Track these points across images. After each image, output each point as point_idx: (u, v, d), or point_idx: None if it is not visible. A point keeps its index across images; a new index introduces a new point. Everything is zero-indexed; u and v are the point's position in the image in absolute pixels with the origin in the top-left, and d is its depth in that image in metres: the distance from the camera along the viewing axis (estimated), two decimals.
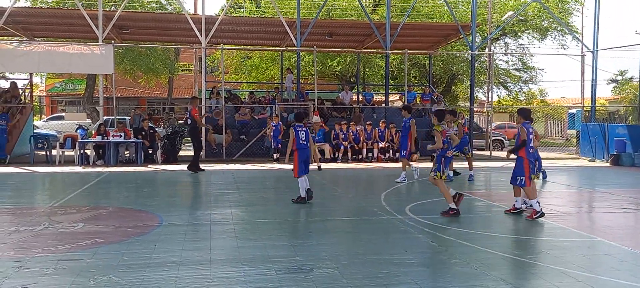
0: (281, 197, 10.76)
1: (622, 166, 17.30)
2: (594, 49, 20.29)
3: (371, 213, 8.66)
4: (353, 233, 7.61)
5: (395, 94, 32.86)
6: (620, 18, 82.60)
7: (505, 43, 36.14)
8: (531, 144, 8.55)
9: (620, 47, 29.14)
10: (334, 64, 31.22)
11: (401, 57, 29.83)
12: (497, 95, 39.07)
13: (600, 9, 19.97)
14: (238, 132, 19.91)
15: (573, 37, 32.77)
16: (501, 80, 36.20)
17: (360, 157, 18.87)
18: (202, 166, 15.30)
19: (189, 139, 16.48)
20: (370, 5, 31.41)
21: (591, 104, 21.30)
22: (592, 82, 20.74)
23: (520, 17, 30.09)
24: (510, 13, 27.89)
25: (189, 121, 14.81)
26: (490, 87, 25.91)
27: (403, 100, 25.54)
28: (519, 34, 34.33)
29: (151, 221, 8.12)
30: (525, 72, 36.44)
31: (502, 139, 28.33)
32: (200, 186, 12.52)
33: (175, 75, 36.65)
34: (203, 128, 16.71)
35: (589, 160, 19.37)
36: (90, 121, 25.22)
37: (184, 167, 15.51)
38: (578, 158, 20.61)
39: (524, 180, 8.41)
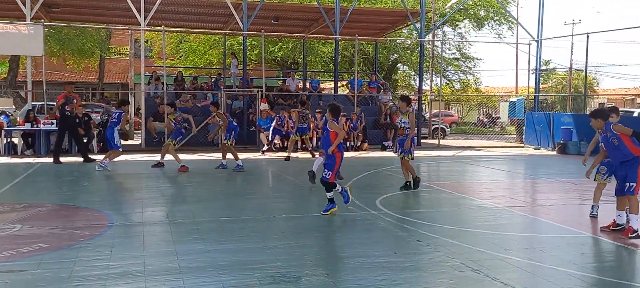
0: (240, 190, 10.01)
1: (568, 154, 17.67)
2: (538, 38, 20.63)
3: (342, 209, 8.10)
4: (330, 233, 7.02)
5: (339, 80, 32.48)
6: (548, 10, 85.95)
7: (443, 32, 36.61)
8: None
9: (563, 36, 30.05)
10: (275, 50, 30.41)
11: (344, 44, 29.45)
12: (435, 84, 39.57)
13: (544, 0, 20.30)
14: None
15: (508, 27, 33.69)
16: (442, 68, 36.63)
17: (310, 146, 18.28)
18: (143, 157, 14.22)
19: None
20: None
21: (535, 93, 21.72)
22: (536, 70, 21.13)
23: (461, 7, 30.41)
24: (454, 0, 28.07)
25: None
26: (434, 75, 25.96)
27: (348, 87, 25.18)
28: (457, 22, 34.83)
29: (100, 221, 7.19)
30: (464, 61, 37.10)
31: (444, 127, 28.57)
32: (148, 179, 11.50)
33: (107, 57, 34.52)
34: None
35: (535, 149, 19.73)
36: (15, 107, 23.17)
37: (126, 157, 14.38)
38: (523, 147, 20.97)
39: (633, 188, 6.70)
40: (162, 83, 19.37)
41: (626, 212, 6.87)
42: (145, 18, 17.80)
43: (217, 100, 18.03)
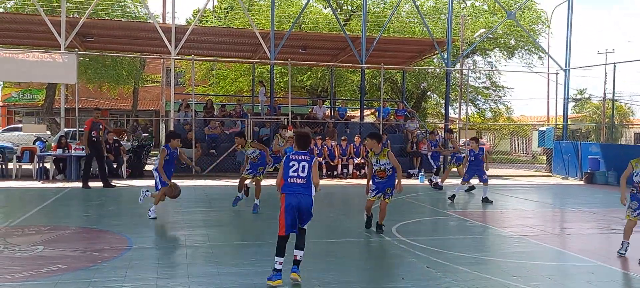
0: (259, 215, 10.16)
1: (595, 184, 17.31)
2: (566, 67, 20.41)
3: (357, 235, 8.15)
4: (343, 258, 7.06)
5: (367, 109, 32.67)
6: (580, 39, 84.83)
7: (474, 61, 36.50)
8: None
9: (590, 66, 29.66)
10: (304, 79, 30.84)
11: (373, 72, 29.65)
12: (465, 112, 39.28)
13: (572, 29, 20.13)
14: (208, 146, 19.17)
15: (539, 56, 33.38)
16: (471, 97, 36.44)
17: (335, 173, 18.40)
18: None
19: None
20: (342, 18, 31.21)
21: (563, 122, 21.41)
22: (564, 99, 20.85)
23: (490, 35, 30.35)
24: (482, 30, 28.05)
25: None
26: (464, 103, 25.85)
27: (376, 115, 25.27)
28: (488, 52, 34.73)
29: (119, 243, 7.42)
30: (494, 90, 36.85)
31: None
32: (170, 204, 11.78)
33: (140, 86, 35.57)
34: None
35: (562, 178, 19.37)
36: (50, 133, 24.03)
37: (151, 182, 14.73)
38: (551, 176, 20.61)
39: None
40: (191, 110, 19.85)
41: None
42: (175, 47, 18.37)
43: (243, 129, 18.33)
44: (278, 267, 5.61)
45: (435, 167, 16.90)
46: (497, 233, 8.82)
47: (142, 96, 39.20)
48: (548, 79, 31.29)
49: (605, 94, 40.15)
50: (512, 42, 33.39)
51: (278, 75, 29.83)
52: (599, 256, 7.28)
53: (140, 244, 7.44)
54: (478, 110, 38.84)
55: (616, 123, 43.84)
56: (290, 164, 5.87)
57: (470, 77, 35.71)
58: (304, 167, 5.85)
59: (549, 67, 30.60)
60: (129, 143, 19.34)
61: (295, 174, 5.82)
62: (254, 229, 8.88)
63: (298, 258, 5.74)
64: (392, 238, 8.03)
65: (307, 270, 6.17)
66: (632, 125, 42.89)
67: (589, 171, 17.80)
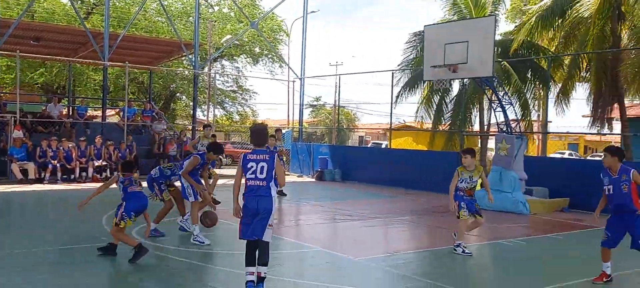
0: None
1: (324, 181, 19.56)
2: (301, 76, 22.61)
3: (93, 240, 7.87)
4: (69, 265, 6.76)
5: (111, 108, 31.00)
6: (316, 51, 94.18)
7: (222, 65, 37.73)
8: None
9: (322, 76, 33.22)
10: (35, 76, 27.96)
11: (117, 71, 28.35)
12: (214, 114, 40.34)
13: (306, 42, 22.41)
14: None
15: (280, 65, 36.17)
16: (219, 100, 37.50)
17: (72, 177, 17.12)
18: None
19: None
20: (83, 11, 29.12)
21: (299, 126, 23.62)
22: (300, 105, 23.06)
23: (237, 42, 31.72)
24: (229, 36, 29.17)
25: None
26: (210, 105, 26.53)
27: (121, 115, 24.18)
28: (235, 57, 36.27)
29: None
30: (241, 94, 38.62)
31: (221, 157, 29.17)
32: None
33: None
34: None
35: (298, 176, 21.41)
36: None
37: None
38: (289, 175, 22.56)
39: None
40: None
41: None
42: None
43: None
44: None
45: None
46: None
47: None
48: (288, 86, 34.02)
49: (335, 101, 45.48)
50: (257, 49, 35.49)
51: (4, 69, 26.41)
52: (321, 243, 8.41)
53: None
54: (226, 113, 40.19)
55: (343, 127, 49.97)
56: (248, 166, 5.45)
57: (218, 80, 36.83)
58: (262, 168, 5.43)
59: (289, 75, 33.38)
60: None
61: (253, 176, 5.42)
62: None
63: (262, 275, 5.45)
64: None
65: (35, 281, 5.80)
66: (357, 129, 49.46)
67: (319, 169, 20.05)
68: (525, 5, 26.90)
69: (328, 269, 6.98)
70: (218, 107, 38.11)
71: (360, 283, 6.30)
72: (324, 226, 10.34)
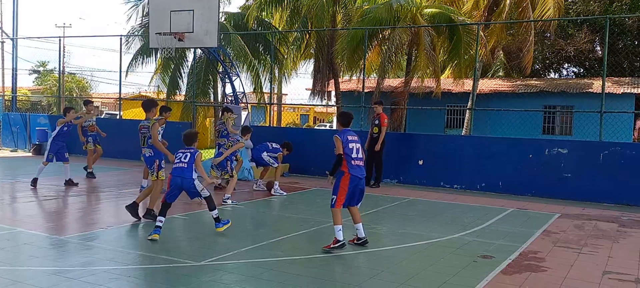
0: None
1: (43, 155, 17.54)
2: (13, 36, 19.75)
3: None
4: None
5: None
6: (40, 10, 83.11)
7: None
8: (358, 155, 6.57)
9: (40, 37, 29.61)
10: None
11: None
12: None
13: None
14: None
15: None
16: None
17: None
18: None
19: None
20: None
21: (12, 93, 20.74)
22: (13, 70, 20.20)
23: None
24: None
25: None
26: None
27: None
28: None
29: None
30: None
31: None
32: None
33: None
34: None
35: (11, 151, 18.84)
36: None
37: None
38: (0, 149, 19.71)
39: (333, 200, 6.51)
40: None
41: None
42: None
43: None
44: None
45: None
46: None
47: None
48: (1, 49, 29.43)
49: (59, 66, 41.18)
50: None
51: None
52: (24, 223, 7.54)
53: None
54: None
55: (75, 96, 45.79)
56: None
57: None
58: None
59: (1, 36, 28.88)
60: None
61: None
62: None
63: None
64: None
65: None
66: (91, 98, 45.52)
67: (37, 142, 17.91)
68: None
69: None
70: None
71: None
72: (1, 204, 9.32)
